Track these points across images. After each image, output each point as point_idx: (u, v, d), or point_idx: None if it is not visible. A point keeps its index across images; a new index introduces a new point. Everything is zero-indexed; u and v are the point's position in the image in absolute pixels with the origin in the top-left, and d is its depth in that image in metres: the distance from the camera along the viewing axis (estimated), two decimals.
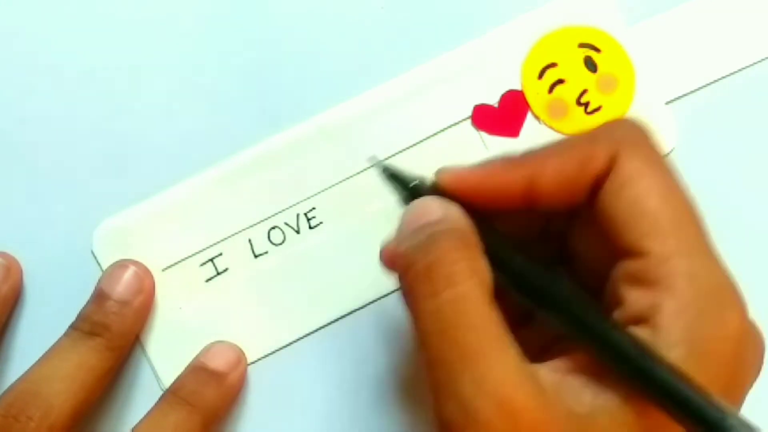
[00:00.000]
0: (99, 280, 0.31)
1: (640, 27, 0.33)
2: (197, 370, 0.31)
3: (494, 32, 0.33)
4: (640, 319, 0.22)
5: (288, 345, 0.32)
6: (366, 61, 0.33)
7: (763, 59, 0.33)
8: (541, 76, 0.33)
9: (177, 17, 0.33)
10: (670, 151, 0.32)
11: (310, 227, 0.32)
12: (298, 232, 0.32)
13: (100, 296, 0.30)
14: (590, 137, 0.24)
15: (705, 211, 0.32)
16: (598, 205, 0.24)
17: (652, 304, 0.22)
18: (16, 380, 0.29)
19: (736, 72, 0.33)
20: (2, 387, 0.30)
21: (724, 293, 0.22)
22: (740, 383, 0.23)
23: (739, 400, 0.23)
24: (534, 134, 0.32)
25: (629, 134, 0.24)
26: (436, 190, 0.25)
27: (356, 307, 0.32)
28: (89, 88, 0.33)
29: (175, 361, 0.31)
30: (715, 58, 0.33)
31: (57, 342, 0.30)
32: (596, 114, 0.32)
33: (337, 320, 0.32)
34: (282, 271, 0.32)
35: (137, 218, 0.32)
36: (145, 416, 0.30)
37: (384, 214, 0.32)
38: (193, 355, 0.31)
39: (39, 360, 0.29)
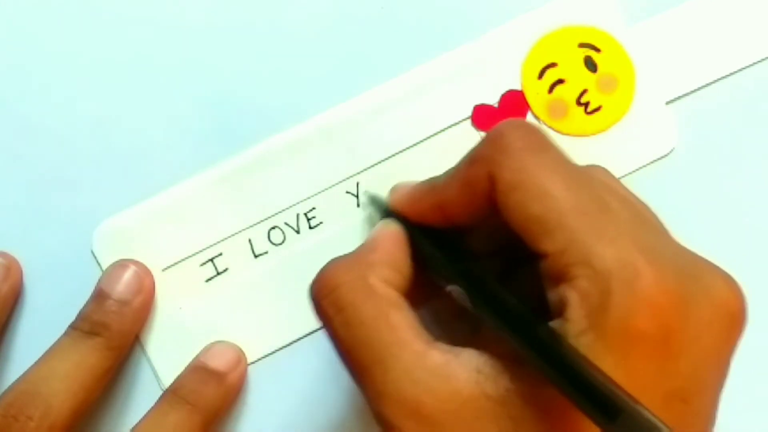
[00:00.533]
0: (99, 280, 0.31)
1: (640, 27, 0.33)
2: (197, 370, 0.31)
3: (494, 32, 0.33)
4: (556, 315, 0.22)
5: (288, 345, 0.32)
6: (366, 61, 0.33)
7: (763, 59, 0.33)
8: (541, 76, 0.33)
9: (179, 15, 0.33)
10: (670, 151, 0.32)
11: (310, 227, 0.32)
12: (298, 232, 0.32)
13: (99, 296, 0.30)
14: (469, 160, 0.25)
15: (705, 210, 0.32)
16: (502, 221, 0.24)
17: (560, 298, 0.22)
18: (16, 380, 0.29)
19: (736, 72, 0.33)
20: (2, 387, 0.30)
21: (628, 267, 0.22)
22: (687, 349, 0.22)
23: (696, 365, 0.22)
24: None
25: (498, 146, 0.24)
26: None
27: None
28: (88, 88, 0.33)
29: (175, 360, 0.31)
30: (716, 58, 0.33)
31: (57, 342, 0.30)
32: (596, 114, 0.32)
33: None
34: (282, 271, 0.32)
35: (137, 218, 0.32)
36: (145, 416, 0.30)
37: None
38: (194, 355, 0.31)
39: (39, 360, 0.29)
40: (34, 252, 0.32)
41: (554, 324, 0.22)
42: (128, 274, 0.31)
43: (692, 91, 0.33)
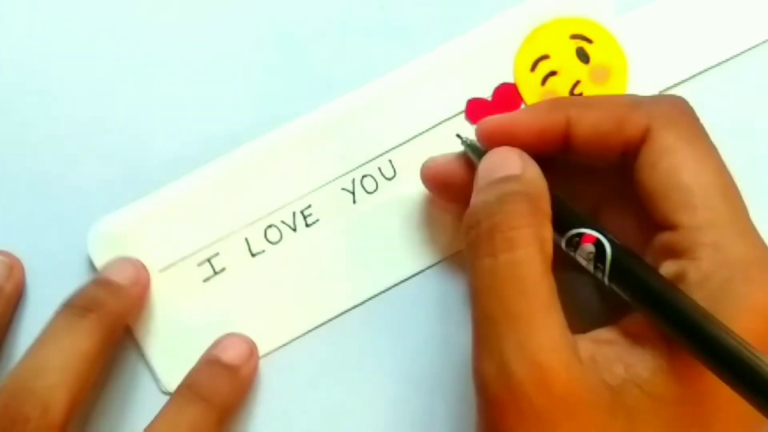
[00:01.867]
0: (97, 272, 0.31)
1: (631, 16, 0.33)
2: (211, 364, 0.30)
3: (486, 26, 0.33)
4: None
5: (287, 344, 0.32)
6: (358, 57, 0.33)
7: (754, 46, 0.33)
8: (533, 68, 0.33)
9: (172, 17, 0.33)
10: None
11: (307, 225, 0.32)
12: (294, 230, 0.32)
13: (96, 278, 0.30)
14: (631, 103, 0.25)
15: None
16: (634, 178, 0.24)
17: (678, 273, 0.22)
18: (9, 374, 0.28)
19: (728, 60, 0.33)
20: None
21: (753, 267, 0.22)
22: None
23: None
24: None
25: (668, 110, 0.25)
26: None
27: (354, 305, 0.32)
28: (87, 90, 0.33)
29: (175, 361, 0.31)
30: (707, 47, 0.33)
31: (50, 323, 0.29)
32: None
33: (334, 318, 0.32)
34: (279, 270, 0.32)
35: (133, 219, 0.32)
36: (160, 412, 0.29)
37: (380, 210, 0.32)
38: (193, 356, 0.31)
39: (31, 348, 0.28)
40: (31, 254, 0.32)
41: None
42: (126, 265, 0.31)
43: (684, 80, 0.33)
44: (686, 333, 0.21)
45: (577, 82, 0.32)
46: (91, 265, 0.32)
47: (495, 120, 0.27)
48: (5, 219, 0.32)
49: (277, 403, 0.31)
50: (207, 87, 0.33)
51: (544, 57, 0.33)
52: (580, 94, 0.32)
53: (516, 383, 0.22)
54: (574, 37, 0.33)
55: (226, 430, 0.31)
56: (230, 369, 0.30)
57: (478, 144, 0.28)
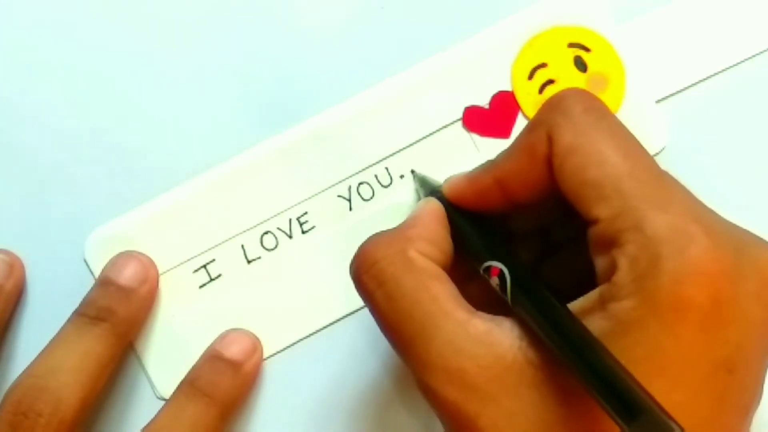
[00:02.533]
0: (104, 269, 0.31)
1: (629, 26, 0.33)
2: (213, 360, 0.30)
3: (483, 34, 0.33)
4: (604, 281, 0.23)
5: (283, 350, 0.32)
6: (356, 65, 0.33)
7: (752, 56, 0.33)
8: (531, 76, 0.33)
9: (173, 23, 0.33)
10: (661, 150, 0.32)
11: (303, 232, 0.32)
12: (290, 236, 0.32)
13: (105, 282, 0.30)
14: (529, 127, 0.25)
15: None
16: (557, 187, 0.24)
17: (609, 264, 0.22)
18: (23, 372, 0.29)
19: (726, 69, 0.33)
20: (3, 385, 0.30)
21: (681, 234, 0.22)
22: (735, 320, 0.22)
23: (743, 336, 0.22)
24: None
25: (558, 109, 0.24)
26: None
27: (349, 312, 0.32)
28: (86, 94, 0.33)
29: (171, 368, 0.31)
30: (705, 56, 0.33)
31: (62, 330, 0.30)
32: None
33: (330, 325, 0.32)
34: (275, 277, 0.32)
35: (128, 226, 0.32)
36: (163, 408, 0.29)
37: (376, 217, 0.32)
38: (189, 362, 0.31)
39: (44, 350, 0.29)
40: (32, 253, 0.32)
41: (601, 288, 0.22)
42: (134, 263, 0.31)
43: (682, 90, 0.33)
44: (572, 359, 0.22)
45: None
46: (89, 273, 0.32)
47: (448, 188, 0.28)
48: (6, 219, 0.32)
49: (270, 408, 0.31)
50: (204, 93, 0.33)
51: (542, 65, 0.33)
52: None
53: (442, 395, 0.23)
54: (571, 45, 0.33)
55: (229, 427, 0.31)
56: (233, 364, 0.30)
57: (428, 179, 0.30)
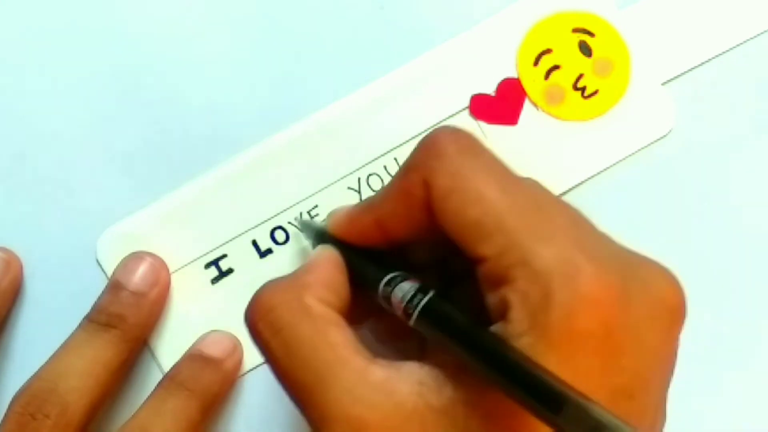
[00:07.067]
0: (114, 271, 0.31)
1: (633, 9, 0.33)
2: (193, 357, 0.31)
3: (488, 21, 0.33)
4: (498, 319, 0.22)
5: None
6: (362, 56, 0.33)
7: (756, 35, 0.33)
8: (536, 63, 0.33)
9: (177, 20, 0.33)
10: (668, 132, 0.32)
11: None
12: (301, 230, 0.32)
13: (115, 287, 0.30)
14: (404, 170, 0.24)
15: (702, 190, 0.32)
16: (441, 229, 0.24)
17: (501, 301, 0.22)
18: (32, 376, 0.29)
19: (730, 50, 0.33)
20: (2, 385, 0.30)
21: (567, 265, 0.21)
22: (629, 345, 0.22)
23: (639, 361, 0.22)
24: (532, 121, 0.32)
25: (433, 152, 0.24)
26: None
27: None
28: (93, 93, 0.33)
29: None
30: (709, 37, 0.33)
31: (72, 335, 0.30)
32: (593, 98, 0.32)
33: None
34: (287, 270, 0.32)
35: (141, 224, 0.32)
36: (144, 403, 0.30)
37: None
38: None
39: (54, 355, 0.29)
40: (39, 252, 0.32)
41: (496, 327, 0.22)
42: (144, 266, 0.31)
43: (687, 71, 0.33)
44: (486, 364, 0.21)
45: (581, 76, 0.32)
46: (99, 268, 0.32)
47: (331, 227, 0.27)
48: (9, 219, 0.32)
49: (276, 406, 0.31)
50: (212, 90, 0.33)
51: (547, 51, 0.33)
52: (584, 88, 0.32)
53: None
54: (576, 30, 0.33)
55: (229, 427, 0.31)
56: (213, 361, 0.30)
57: (312, 223, 0.30)
